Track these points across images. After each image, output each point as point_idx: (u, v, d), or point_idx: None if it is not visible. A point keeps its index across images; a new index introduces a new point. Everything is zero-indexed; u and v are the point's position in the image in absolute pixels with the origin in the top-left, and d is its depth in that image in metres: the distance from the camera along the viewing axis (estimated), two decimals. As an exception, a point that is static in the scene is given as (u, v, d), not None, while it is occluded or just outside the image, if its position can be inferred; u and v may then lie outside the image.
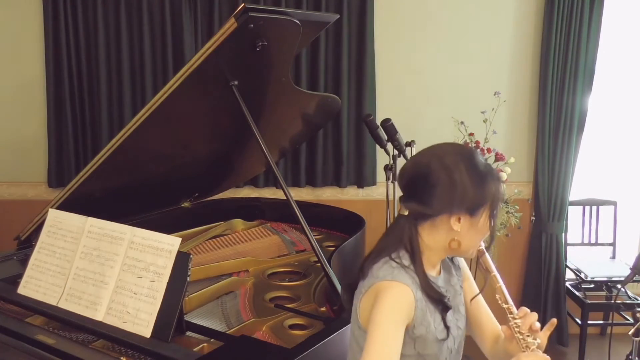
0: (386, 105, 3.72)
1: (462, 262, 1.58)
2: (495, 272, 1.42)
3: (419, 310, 1.35)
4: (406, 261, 1.38)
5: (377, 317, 1.30)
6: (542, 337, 1.36)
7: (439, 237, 1.39)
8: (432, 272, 1.44)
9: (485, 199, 1.35)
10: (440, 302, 1.39)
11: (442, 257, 1.47)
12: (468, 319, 1.54)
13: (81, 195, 2.26)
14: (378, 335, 1.28)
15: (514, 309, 1.38)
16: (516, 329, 1.35)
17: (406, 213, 1.40)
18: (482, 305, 1.56)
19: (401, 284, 1.34)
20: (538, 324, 1.36)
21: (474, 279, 1.59)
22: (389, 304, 1.32)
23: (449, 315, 1.42)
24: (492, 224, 1.38)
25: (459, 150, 1.40)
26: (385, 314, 1.31)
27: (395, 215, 1.48)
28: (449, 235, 1.38)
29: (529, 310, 1.38)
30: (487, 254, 1.46)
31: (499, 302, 1.41)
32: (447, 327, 1.40)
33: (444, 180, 1.33)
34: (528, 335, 1.34)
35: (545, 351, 1.34)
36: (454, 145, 1.44)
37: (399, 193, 3.40)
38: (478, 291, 1.55)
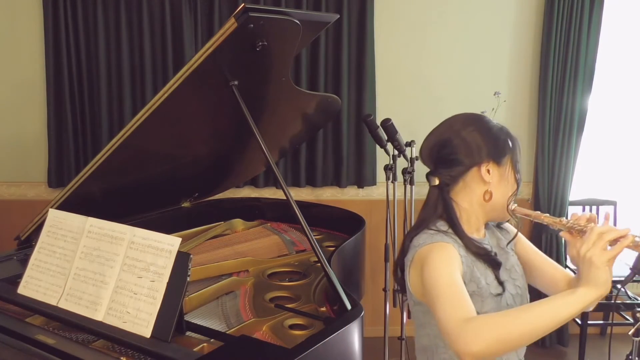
0: (386, 105, 3.72)
1: (510, 227, 1.63)
2: (535, 213, 1.41)
3: (466, 266, 1.39)
4: (444, 227, 1.44)
5: (431, 275, 1.32)
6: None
7: (472, 195, 1.46)
8: (475, 235, 1.48)
9: (505, 149, 1.44)
10: (488, 258, 1.43)
11: (482, 219, 1.50)
12: (536, 276, 1.57)
13: (81, 195, 2.25)
14: (440, 288, 1.28)
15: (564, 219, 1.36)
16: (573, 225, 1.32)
17: (436, 183, 1.48)
18: (542, 258, 1.60)
19: (441, 242, 1.39)
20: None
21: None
22: (437, 260, 1.35)
23: (502, 272, 1.46)
24: (517, 175, 1.47)
25: (467, 115, 1.52)
26: (438, 269, 1.33)
27: (395, 214, 1.48)
28: (482, 189, 1.44)
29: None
30: (519, 209, 1.47)
31: (557, 227, 1.37)
32: (500, 283, 1.43)
33: (464, 138, 1.44)
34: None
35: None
36: (464, 114, 1.53)
37: (399, 193, 3.38)
38: (533, 248, 1.61)
